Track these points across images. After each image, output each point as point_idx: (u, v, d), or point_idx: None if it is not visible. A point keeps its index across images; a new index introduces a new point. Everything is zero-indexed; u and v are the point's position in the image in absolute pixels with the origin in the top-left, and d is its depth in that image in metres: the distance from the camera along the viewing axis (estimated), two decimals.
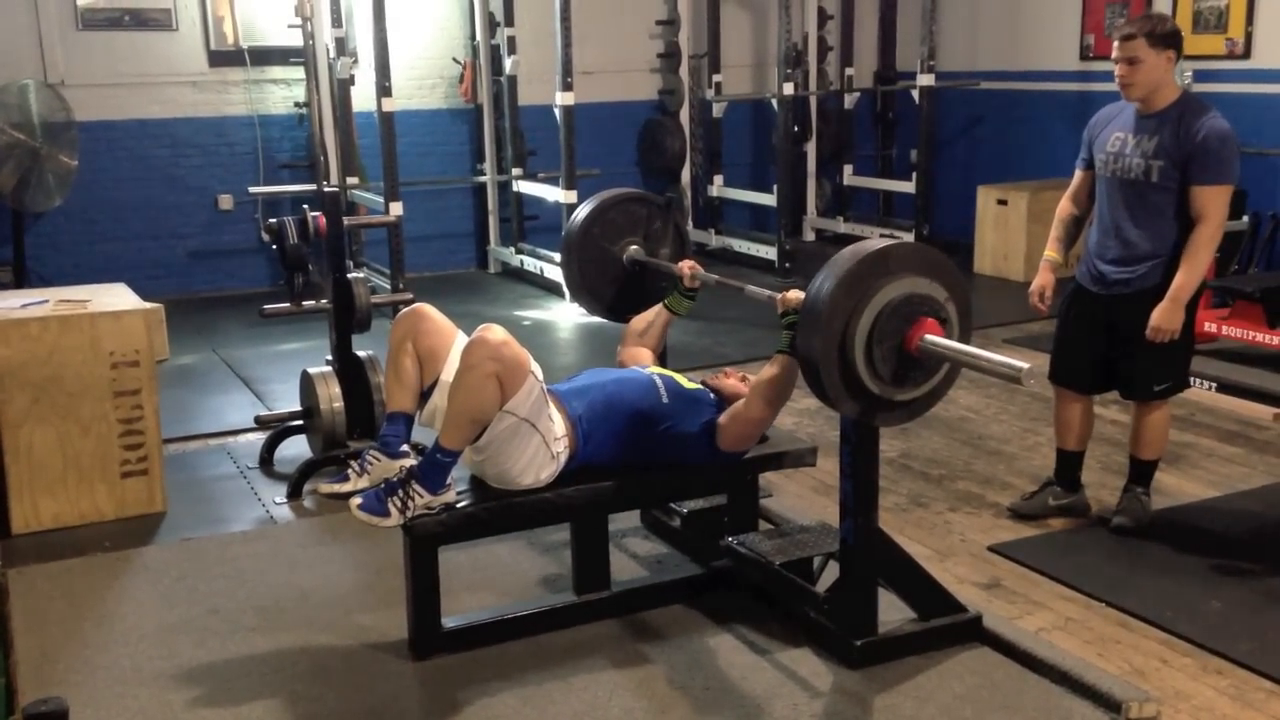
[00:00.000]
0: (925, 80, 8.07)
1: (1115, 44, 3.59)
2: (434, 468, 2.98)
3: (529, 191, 8.15)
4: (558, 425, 3.12)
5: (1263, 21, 6.95)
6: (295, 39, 7.37)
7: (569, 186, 7.19)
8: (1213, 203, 3.52)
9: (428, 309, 3.27)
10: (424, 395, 3.20)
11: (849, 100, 9.37)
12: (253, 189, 6.91)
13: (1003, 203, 7.95)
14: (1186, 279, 3.54)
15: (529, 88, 8.18)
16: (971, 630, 3.13)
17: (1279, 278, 6.15)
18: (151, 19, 7.57)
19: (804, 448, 3.51)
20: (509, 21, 8.11)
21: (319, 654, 3.15)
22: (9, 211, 7.09)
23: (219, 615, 3.37)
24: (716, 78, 8.97)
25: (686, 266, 3.66)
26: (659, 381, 3.33)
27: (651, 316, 3.74)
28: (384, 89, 6.91)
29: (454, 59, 8.41)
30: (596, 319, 4.26)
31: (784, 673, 3.00)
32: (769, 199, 8.34)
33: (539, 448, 3.05)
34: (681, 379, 3.41)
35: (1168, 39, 3.54)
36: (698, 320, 6.52)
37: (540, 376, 3.04)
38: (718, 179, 8.99)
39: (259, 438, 4.80)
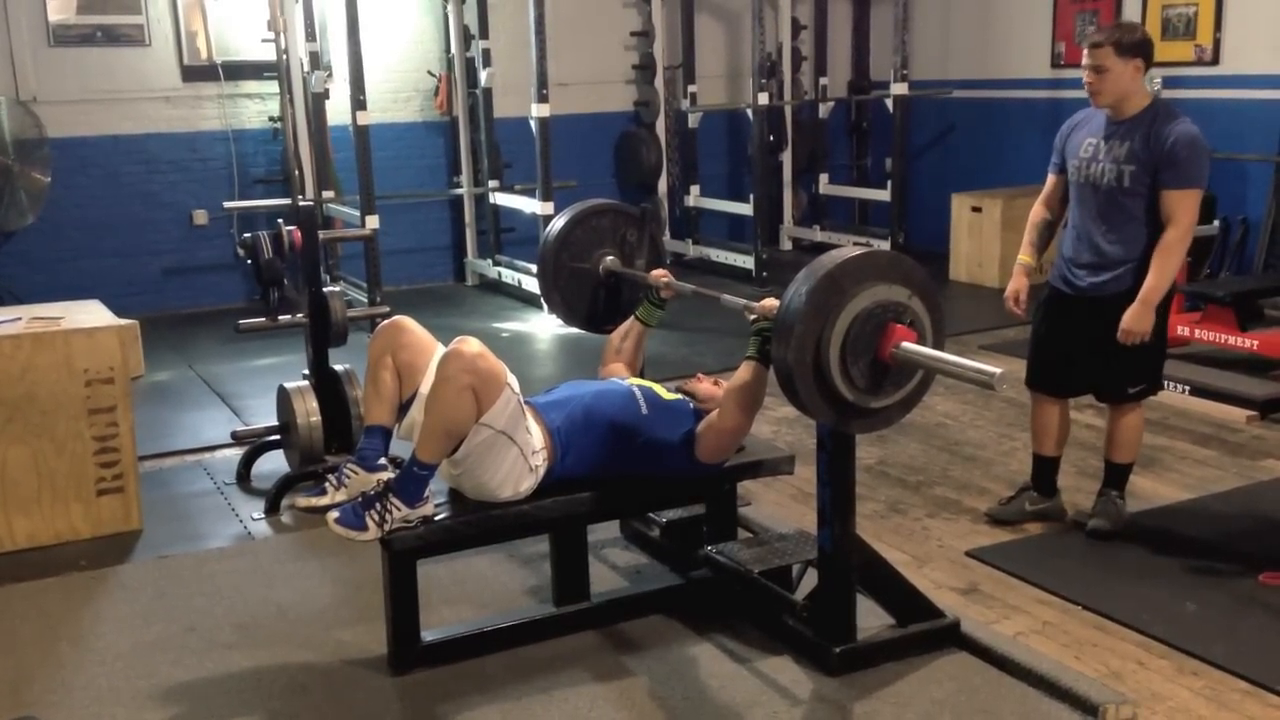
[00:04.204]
0: (899, 89, 8.13)
1: (1085, 52, 3.64)
2: (411, 481, 2.98)
3: (506, 204, 8.15)
4: (536, 438, 3.12)
5: (1231, 28, 7.03)
6: (269, 53, 7.35)
7: (546, 198, 7.19)
8: (1182, 206, 3.57)
9: (408, 322, 3.26)
10: (403, 408, 3.18)
11: (823, 110, 9.42)
12: (227, 204, 6.87)
13: (977, 210, 8.00)
14: (1156, 281, 3.59)
15: (504, 100, 8.17)
16: (949, 635, 3.14)
17: (1249, 282, 6.21)
18: (124, 35, 7.52)
19: (781, 456, 3.52)
20: (484, 34, 8.10)
21: (297, 670, 3.13)
22: None
23: (196, 633, 3.35)
24: (691, 88, 9.00)
25: (660, 275, 3.67)
26: (638, 393, 3.33)
27: (626, 330, 3.75)
28: (359, 102, 6.91)
29: (429, 72, 8.40)
30: (574, 330, 4.26)
31: (763, 681, 3.01)
32: (745, 209, 8.38)
33: (516, 460, 3.05)
34: (660, 390, 3.41)
35: (1136, 48, 3.59)
36: (675, 330, 6.54)
37: (517, 389, 3.04)
38: (694, 189, 9.01)
39: (236, 453, 4.78)
